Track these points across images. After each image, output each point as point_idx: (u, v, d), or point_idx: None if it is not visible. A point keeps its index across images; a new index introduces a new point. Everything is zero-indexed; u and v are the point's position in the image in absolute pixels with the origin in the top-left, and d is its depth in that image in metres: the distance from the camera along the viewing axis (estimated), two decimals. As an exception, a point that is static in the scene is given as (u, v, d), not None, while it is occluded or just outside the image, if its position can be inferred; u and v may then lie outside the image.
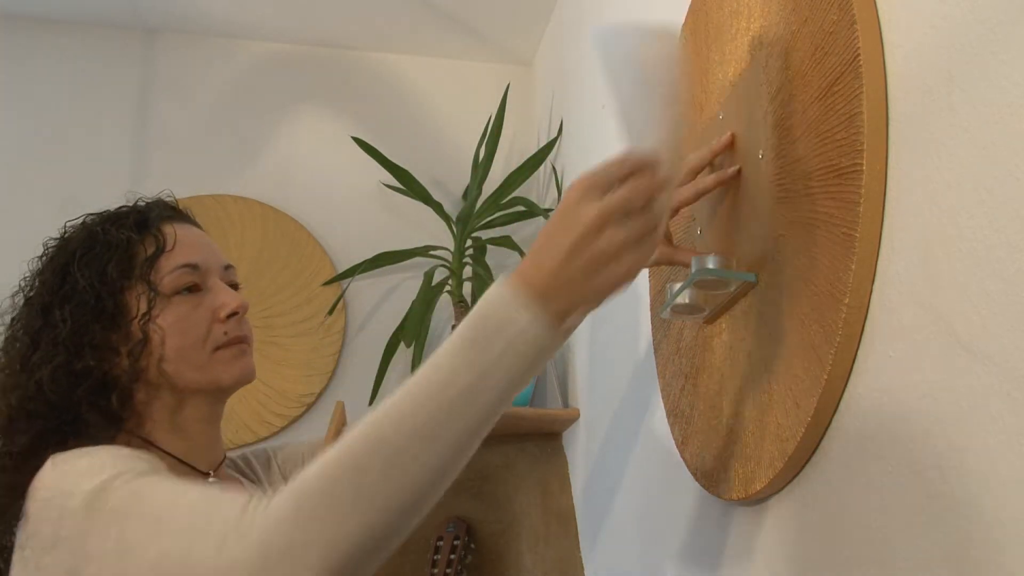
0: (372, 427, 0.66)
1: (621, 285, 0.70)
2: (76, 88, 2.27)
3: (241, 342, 0.97)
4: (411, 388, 0.67)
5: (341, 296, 2.15)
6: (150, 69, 2.33)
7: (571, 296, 0.68)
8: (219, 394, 0.97)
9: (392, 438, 0.65)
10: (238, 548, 0.65)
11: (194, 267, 0.96)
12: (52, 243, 0.97)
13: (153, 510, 0.75)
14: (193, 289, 0.95)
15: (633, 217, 0.69)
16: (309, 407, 2.13)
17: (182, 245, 0.96)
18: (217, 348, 0.95)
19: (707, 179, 1.01)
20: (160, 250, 0.94)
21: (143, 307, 0.92)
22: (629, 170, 0.70)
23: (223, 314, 0.96)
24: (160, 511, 0.74)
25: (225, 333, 0.95)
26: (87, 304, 0.91)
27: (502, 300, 0.68)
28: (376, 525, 0.64)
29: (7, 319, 0.96)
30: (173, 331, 0.92)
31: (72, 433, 0.88)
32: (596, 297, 0.70)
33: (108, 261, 0.92)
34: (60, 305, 0.91)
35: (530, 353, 0.67)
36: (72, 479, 0.79)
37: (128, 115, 2.28)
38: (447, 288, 2.08)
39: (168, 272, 0.94)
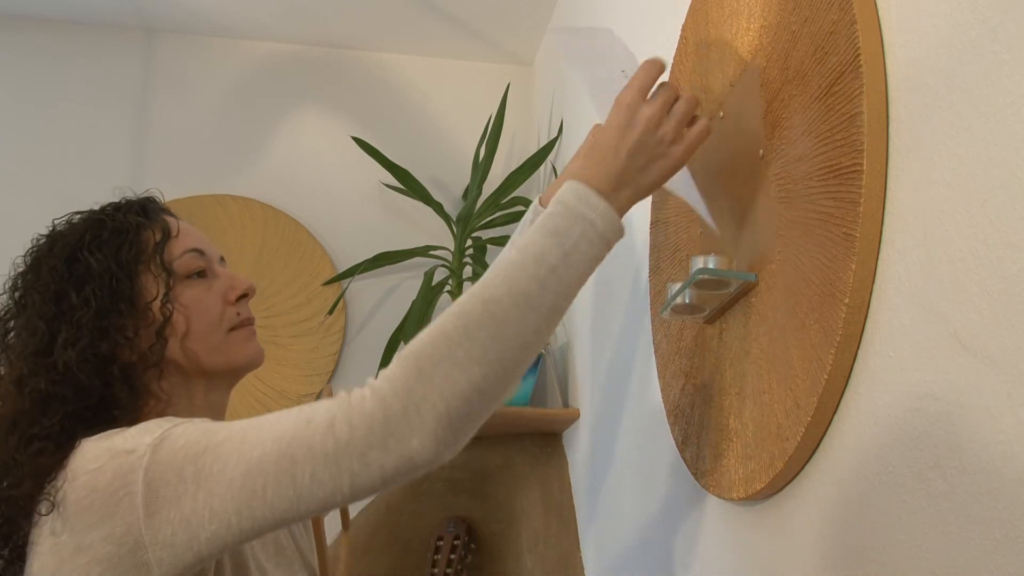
0: (478, 295, 0.76)
1: (671, 172, 0.86)
2: (76, 88, 2.27)
3: (251, 323, 0.99)
4: (509, 265, 0.77)
5: (341, 296, 2.15)
6: (150, 69, 2.33)
7: (631, 190, 0.84)
8: (232, 376, 0.98)
9: (497, 300, 0.75)
10: (354, 420, 0.73)
11: (201, 252, 0.97)
12: (43, 238, 0.96)
13: (232, 435, 0.76)
14: (202, 273, 0.96)
15: (674, 112, 0.86)
16: (309, 407, 2.13)
17: (185, 233, 0.98)
18: (231, 329, 0.96)
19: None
20: (167, 235, 0.95)
21: (161, 289, 0.92)
22: (655, 77, 0.87)
23: (233, 296, 0.97)
24: (243, 433, 0.76)
25: (238, 314, 0.97)
26: (105, 287, 0.90)
27: (577, 195, 0.81)
28: (488, 377, 0.73)
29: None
30: (191, 312, 0.93)
31: (97, 418, 0.87)
32: (649, 189, 0.85)
33: (120, 245, 0.92)
34: (76, 290, 0.90)
35: (597, 242, 0.80)
36: (128, 440, 0.79)
37: (128, 115, 2.28)
38: (447, 288, 2.08)
39: (179, 255, 0.95)
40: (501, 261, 0.81)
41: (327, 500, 0.74)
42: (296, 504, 0.74)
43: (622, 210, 0.83)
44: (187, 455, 0.76)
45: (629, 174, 0.84)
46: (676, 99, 0.87)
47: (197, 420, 0.82)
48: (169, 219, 0.98)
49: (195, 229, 1.01)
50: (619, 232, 0.82)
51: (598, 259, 0.81)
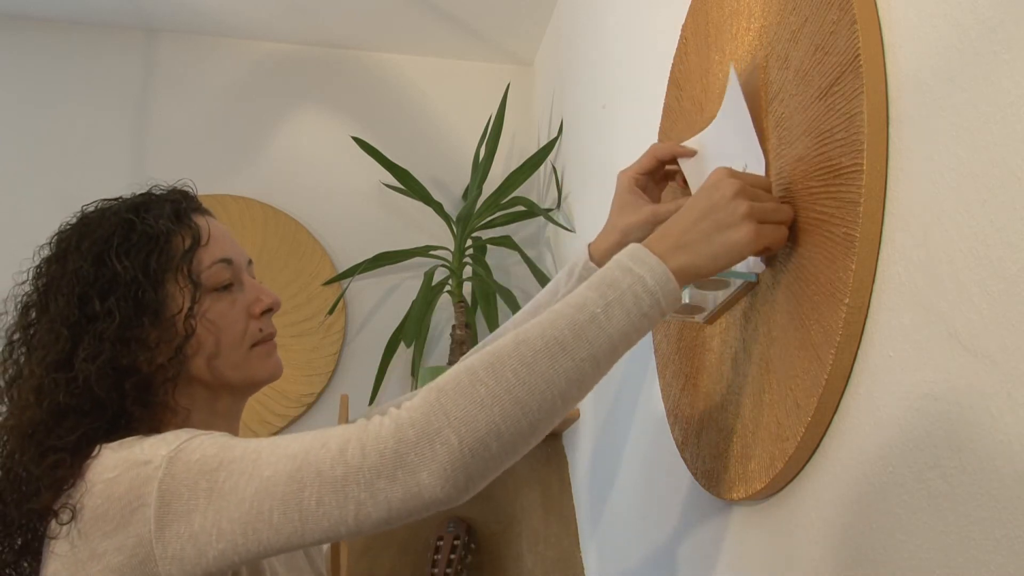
0: (512, 336, 0.74)
1: (735, 251, 0.80)
2: (76, 88, 2.27)
3: (272, 338, 0.98)
4: (549, 312, 0.76)
5: (341, 296, 2.15)
6: (150, 69, 2.33)
7: (688, 256, 0.79)
8: (251, 390, 0.97)
9: (529, 342, 0.73)
10: (368, 446, 0.71)
11: (229, 262, 0.95)
12: (71, 227, 0.93)
13: (247, 453, 0.75)
14: (229, 285, 0.94)
15: (762, 200, 0.82)
16: (309, 407, 2.13)
17: (215, 239, 0.95)
18: (254, 345, 0.95)
19: (662, 144, 1.05)
20: (196, 243, 0.92)
21: (186, 302, 0.89)
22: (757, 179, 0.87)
23: (258, 310, 0.96)
24: (257, 452, 0.75)
25: (260, 330, 0.96)
26: (130, 298, 0.87)
27: (631, 254, 0.79)
28: (507, 418, 0.71)
29: (15, 304, 0.93)
30: (214, 327, 0.91)
31: (114, 428, 0.85)
32: (710, 260, 0.80)
33: (150, 253, 0.90)
34: (101, 297, 0.87)
35: (646, 298, 0.77)
36: (145, 450, 0.78)
37: (128, 115, 2.28)
38: (447, 288, 2.08)
39: (207, 267, 0.92)
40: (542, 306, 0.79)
41: (331, 530, 0.72)
42: (301, 530, 0.73)
43: (679, 273, 0.78)
44: (202, 469, 0.75)
45: (690, 236, 0.80)
46: (768, 193, 0.85)
47: (216, 433, 0.81)
48: (200, 222, 0.95)
49: (225, 230, 0.98)
50: (672, 292, 0.78)
51: (647, 317, 0.77)
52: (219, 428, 0.94)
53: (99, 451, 0.81)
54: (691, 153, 1.04)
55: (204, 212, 0.99)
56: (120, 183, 1.03)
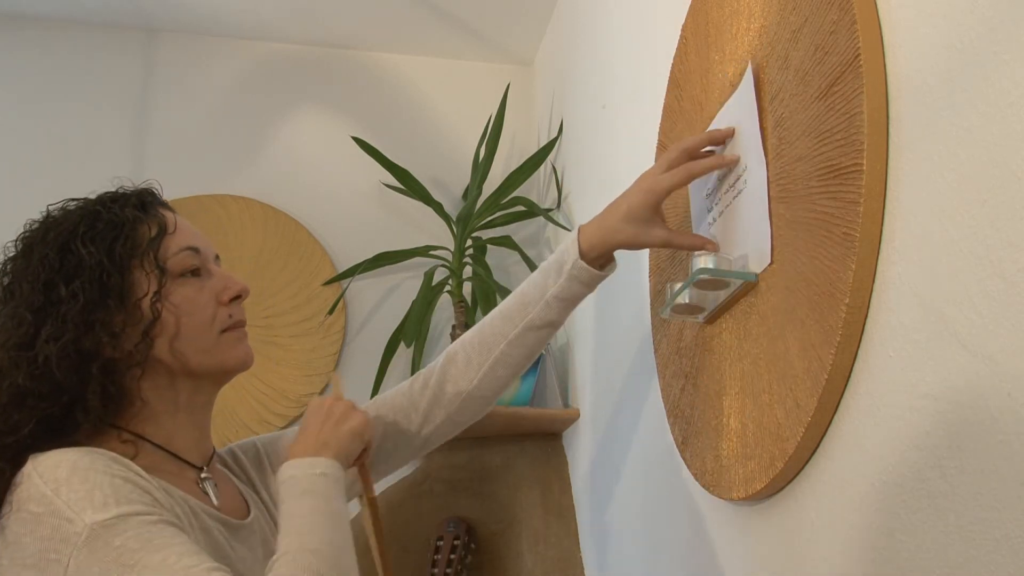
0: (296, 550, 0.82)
1: (359, 432, 0.98)
2: (76, 88, 2.27)
3: (243, 326, 0.98)
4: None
5: (341, 296, 2.15)
6: (151, 69, 2.33)
7: (332, 447, 0.94)
8: (221, 378, 0.97)
9: (307, 544, 0.82)
10: None
11: (196, 250, 0.96)
12: (36, 223, 0.96)
13: (162, 566, 0.76)
14: (196, 272, 0.95)
15: (343, 402, 1.01)
16: (309, 407, 2.13)
17: (181, 230, 0.96)
18: (223, 331, 0.95)
19: (700, 162, 1.01)
20: (163, 231, 0.94)
21: (152, 286, 0.90)
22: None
23: (226, 297, 0.96)
24: (171, 572, 0.75)
25: (230, 316, 0.96)
26: (95, 281, 0.88)
27: (288, 467, 0.91)
28: None
29: None
30: (181, 311, 0.92)
31: (69, 421, 0.86)
32: (348, 444, 0.96)
33: (115, 239, 0.91)
34: (66, 282, 0.88)
35: (320, 484, 0.89)
36: (73, 503, 0.78)
37: (128, 115, 2.28)
38: (447, 288, 2.08)
39: (174, 253, 0.93)
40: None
41: None
42: None
43: (333, 457, 0.92)
44: (118, 560, 0.76)
45: (324, 435, 0.95)
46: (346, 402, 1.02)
47: (148, 516, 0.80)
48: (166, 214, 0.96)
49: (191, 226, 0.99)
50: (332, 473, 0.90)
51: (317, 489, 0.88)
52: (182, 422, 0.94)
53: (28, 465, 0.81)
54: (729, 132, 1.02)
55: (170, 209, 1.00)
56: (119, 183, 1.04)
